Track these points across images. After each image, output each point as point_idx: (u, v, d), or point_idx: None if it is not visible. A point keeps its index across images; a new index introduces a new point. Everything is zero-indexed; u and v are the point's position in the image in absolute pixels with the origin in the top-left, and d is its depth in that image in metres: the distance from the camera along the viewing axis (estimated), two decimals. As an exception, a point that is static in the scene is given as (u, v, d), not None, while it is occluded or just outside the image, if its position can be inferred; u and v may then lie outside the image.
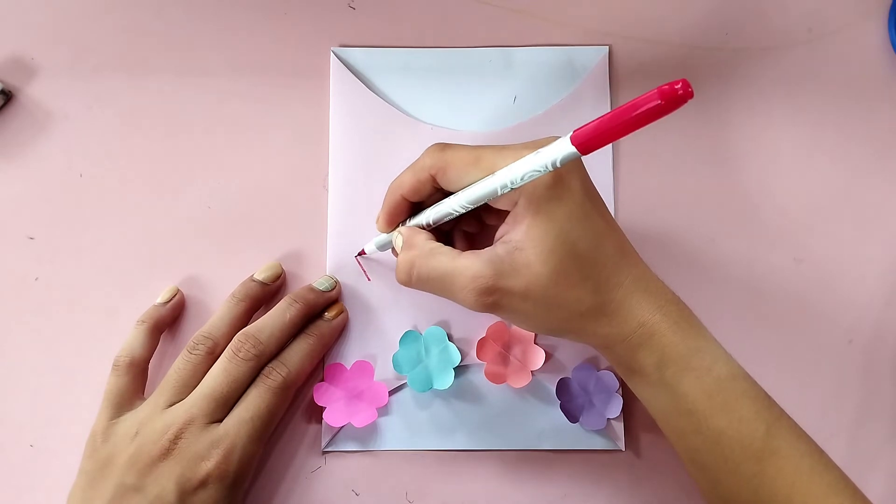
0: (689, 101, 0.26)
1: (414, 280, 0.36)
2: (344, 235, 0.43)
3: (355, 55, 0.45)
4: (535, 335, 0.42)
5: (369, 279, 0.43)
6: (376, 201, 0.43)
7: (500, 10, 0.46)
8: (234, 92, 0.45)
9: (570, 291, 0.34)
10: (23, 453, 0.41)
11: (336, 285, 0.42)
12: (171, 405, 0.38)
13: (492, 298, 0.34)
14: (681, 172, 0.45)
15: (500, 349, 0.42)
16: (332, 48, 0.45)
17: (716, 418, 0.33)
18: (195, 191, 0.44)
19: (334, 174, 0.44)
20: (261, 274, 0.42)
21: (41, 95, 0.45)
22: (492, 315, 0.42)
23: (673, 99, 0.26)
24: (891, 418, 0.42)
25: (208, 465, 0.36)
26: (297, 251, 0.43)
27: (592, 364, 0.42)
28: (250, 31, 0.45)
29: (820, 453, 0.34)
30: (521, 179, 0.32)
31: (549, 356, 0.42)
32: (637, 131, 0.28)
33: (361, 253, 0.42)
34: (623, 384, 0.42)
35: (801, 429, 0.34)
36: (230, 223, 0.44)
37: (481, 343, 0.42)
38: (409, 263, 0.36)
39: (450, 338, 0.42)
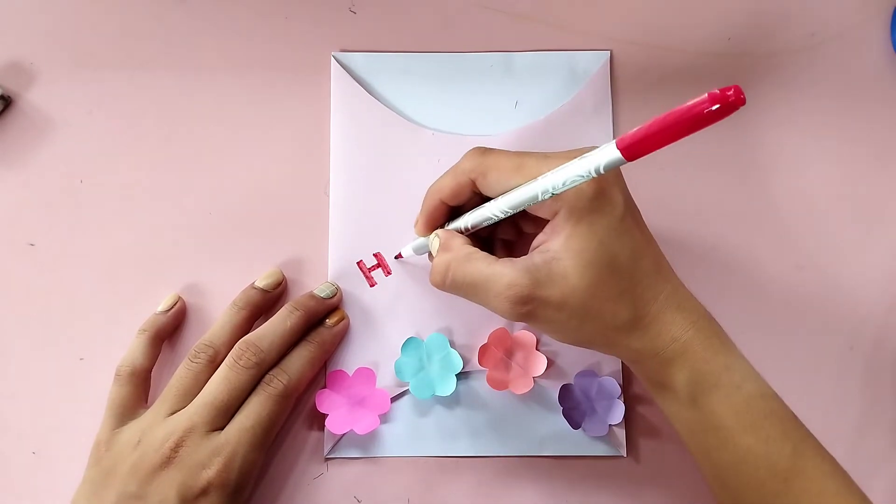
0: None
1: (448, 283, 0.36)
2: (345, 242, 0.43)
3: (356, 60, 0.45)
4: (538, 342, 0.42)
5: (372, 285, 0.42)
6: (378, 207, 0.43)
7: (501, 14, 0.46)
8: (234, 97, 0.45)
9: (607, 304, 0.33)
10: (25, 461, 0.41)
11: (337, 292, 0.42)
12: (172, 413, 0.38)
13: (526, 308, 0.33)
14: (681, 179, 0.44)
15: (501, 355, 0.42)
16: (332, 53, 0.45)
17: (743, 436, 0.33)
18: (196, 197, 0.44)
19: (335, 180, 0.44)
20: (262, 281, 0.42)
21: (41, 101, 0.44)
22: (494, 321, 0.42)
23: (725, 105, 0.25)
24: (892, 425, 0.42)
25: (209, 473, 0.36)
26: (298, 258, 0.43)
27: (594, 370, 0.42)
28: (251, 37, 0.45)
29: (844, 475, 0.34)
30: (563, 185, 0.31)
31: (550, 363, 0.42)
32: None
33: (398, 256, 0.42)
34: (625, 390, 0.42)
35: (825, 450, 0.34)
36: (231, 230, 0.43)
37: (483, 349, 0.41)
38: (445, 266, 0.36)
39: (451, 344, 0.42)
